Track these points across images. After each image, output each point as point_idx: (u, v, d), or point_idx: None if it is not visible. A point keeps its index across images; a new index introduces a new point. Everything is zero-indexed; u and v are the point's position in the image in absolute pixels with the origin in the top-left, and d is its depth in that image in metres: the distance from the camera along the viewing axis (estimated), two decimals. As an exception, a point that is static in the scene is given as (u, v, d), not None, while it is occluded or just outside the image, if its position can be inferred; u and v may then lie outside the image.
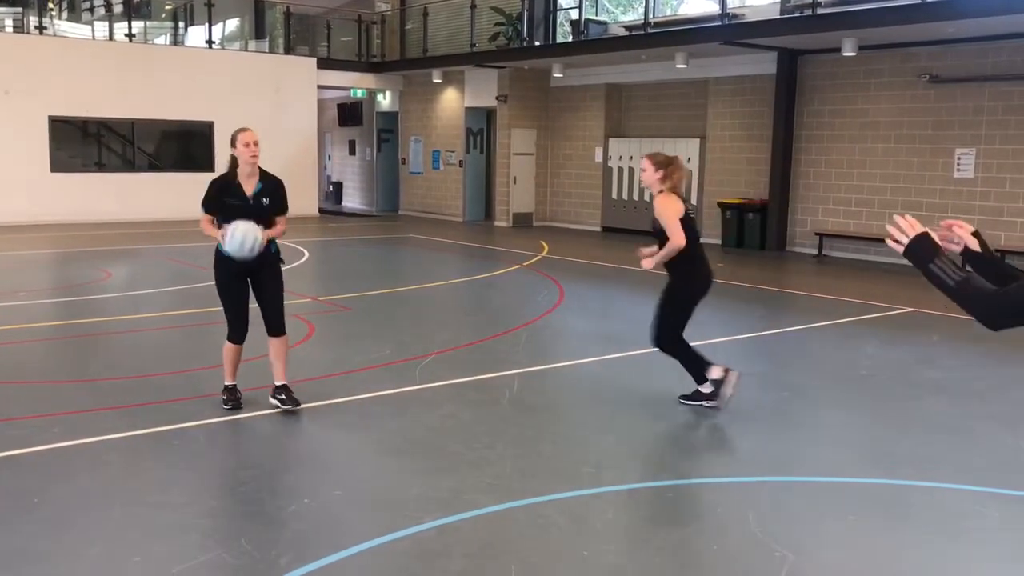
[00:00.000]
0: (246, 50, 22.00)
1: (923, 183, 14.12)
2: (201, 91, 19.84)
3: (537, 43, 18.90)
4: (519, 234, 18.55)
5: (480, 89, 20.64)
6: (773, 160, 15.88)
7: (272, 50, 22.00)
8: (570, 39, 18.39)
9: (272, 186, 5.72)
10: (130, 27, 20.03)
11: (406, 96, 23.06)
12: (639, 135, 18.36)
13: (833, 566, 3.94)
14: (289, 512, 4.40)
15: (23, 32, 19.04)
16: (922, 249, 2.37)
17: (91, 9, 22.06)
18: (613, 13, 20.49)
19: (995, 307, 2.32)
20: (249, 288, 5.79)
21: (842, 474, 5.04)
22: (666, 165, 5.97)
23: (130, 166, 20.01)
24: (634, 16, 19.85)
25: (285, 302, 5.95)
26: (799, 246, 15.87)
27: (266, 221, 5.63)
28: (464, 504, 4.43)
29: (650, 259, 5.98)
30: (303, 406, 5.83)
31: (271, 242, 5.73)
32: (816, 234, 15.46)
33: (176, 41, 21.93)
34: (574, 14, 18.28)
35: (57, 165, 18.77)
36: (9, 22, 19.35)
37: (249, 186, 5.63)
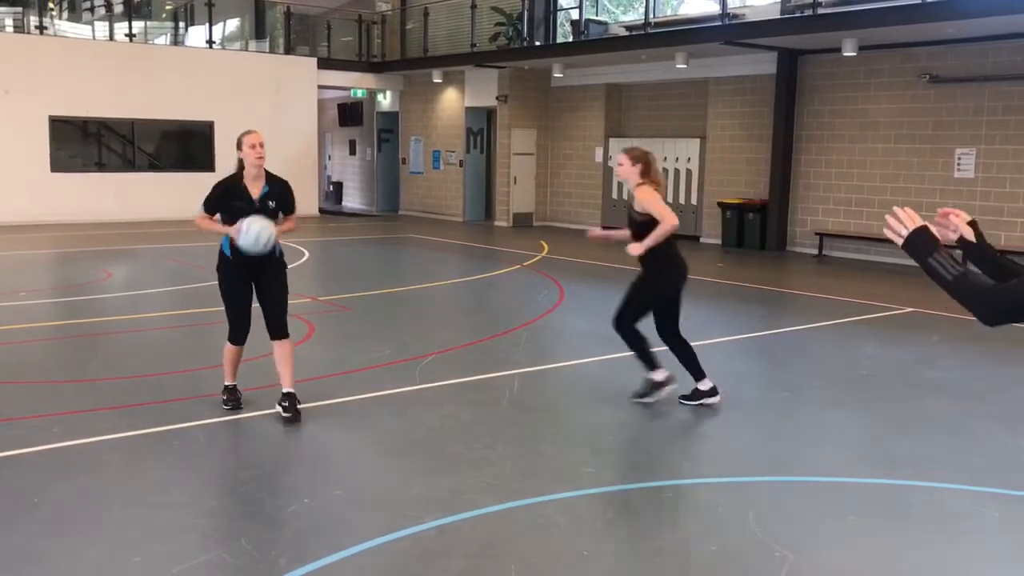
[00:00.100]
0: (246, 50, 22.00)
1: (923, 183, 14.12)
2: (201, 91, 19.85)
3: (537, 43, 18.90)
4: (519, 234, 18.56)
5: (480, 89, 20.64)
6: (773, 160, 15.88)
7: (272, 50, 22.00)
8: (570, 39, 18.39)
9: (279, 189, 5.69)
10: (130, 27, 20.02)
11: (406, 96, 23.06)
12: (639, 135, 18.34)
13: (833, 566, 3.94)
14: (289, 512, 4.40)
15: (23, 32, 19.04)
16: (921, 242, 2.36)
17: (91, 9, 22.05)
18: (613, 13, 20.49)
19: (994, 303, 2.31)
20: (253, 291, 5.77)
21: (842, 474, 5.04)
22: (643, 159, 6.04)
23: (130, 166, 20.01)
24: (634, 16, 19.86)
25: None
26: (799, 246, 15.87)
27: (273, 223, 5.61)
28: (464, 504, 4.43)
29: (638, 245, 5.97)
30: (303, 406, 5.82)
31: (275, 245, 5.72)
32: (816, 234, 15.46)
33: (176, 41, 21.94)
34: (574, 14, 18.28)
35: (57, 165, 18.78)
36: (9, 22, 19.35)
37: (255, 188, 5.61)
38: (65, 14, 22.19)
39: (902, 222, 2.39)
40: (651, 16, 16.51)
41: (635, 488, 4.81)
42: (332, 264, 14.30)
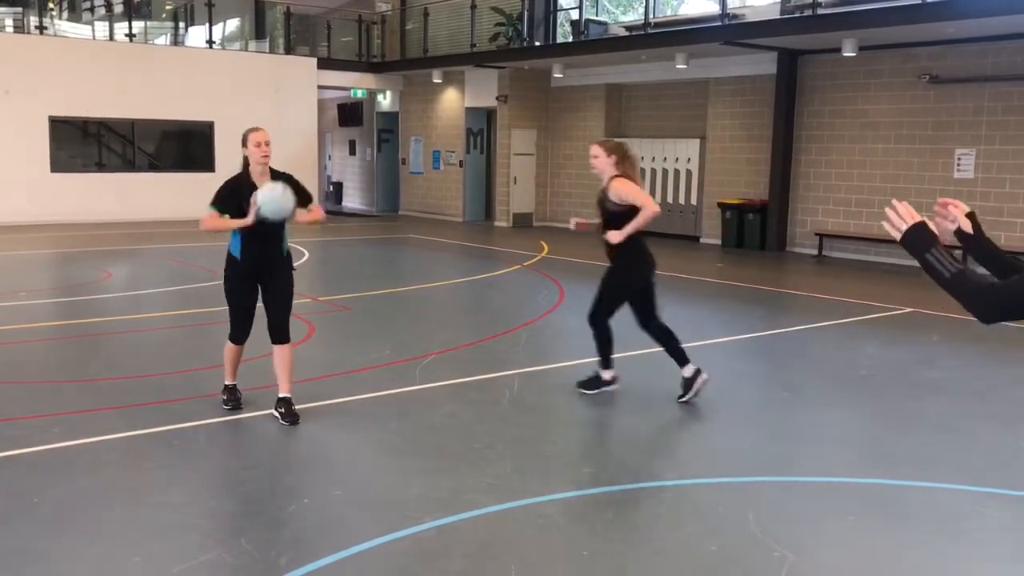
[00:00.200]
0: (246, 50, 22.01)
1: (923, 183, 14.12)
2: (201, 91, 19.85)
3: (537, 43, 18.90)
4: (519, 234, 18.56)
5: (480, 89, 20.64)
6: (773, 160, 15.88)
7: (272, 50, 22.01)
8: (570, 39, 18.40)
9: (287, 182, 5.61)
10: (130, 27, 20.03)
11: (406, 96, 23.06)
12: (639, 135, 18.34)
13: (833, 566, 3.94)
14: (289, 512, 4.40)
15: (23, 32, 19.05)
16: (919, 238, 2.34)
17: (91, 9, 22.05)
18: (613, 13, 20.49)
19: (993, 300, 2.29)
20: (258, 293, 5.75)
21: (842, 474, 5.04)
22: (617, 150, 6.16)
23: (130, 166, 20.01)
24: (634, 16, 19.86)
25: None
26: (799, 246, 15.87)
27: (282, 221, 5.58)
28: (464, 504, 4.43)
29: (619, 232, 6.02)
30: (303, 406, 5.82)
31: (282, 245, 5.71)
32: (816, 234, 15.46)
33: (176, 41, 21.94)
34: (574, 14, 18.29)
35: (57, 165, 18.78)
36: (9, 22, 19.35)
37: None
38: (65, 14, 22.19)
39: (901, 217, 2.38)
40: (651, 16, 16.52)
41: (635, 488, 4.81)
42: (332, 264, 14.30)
